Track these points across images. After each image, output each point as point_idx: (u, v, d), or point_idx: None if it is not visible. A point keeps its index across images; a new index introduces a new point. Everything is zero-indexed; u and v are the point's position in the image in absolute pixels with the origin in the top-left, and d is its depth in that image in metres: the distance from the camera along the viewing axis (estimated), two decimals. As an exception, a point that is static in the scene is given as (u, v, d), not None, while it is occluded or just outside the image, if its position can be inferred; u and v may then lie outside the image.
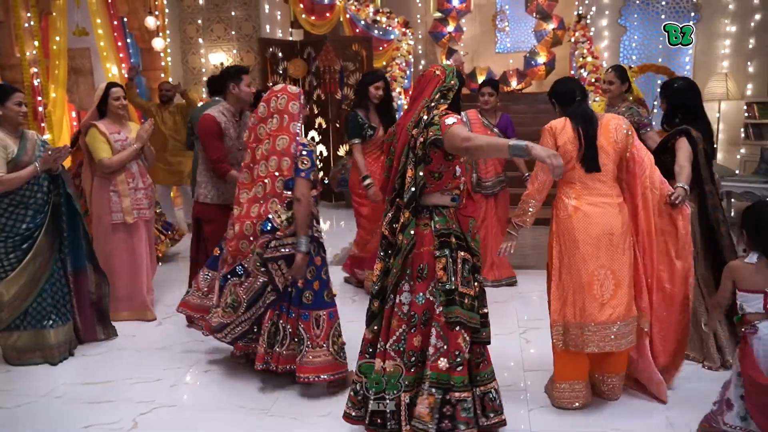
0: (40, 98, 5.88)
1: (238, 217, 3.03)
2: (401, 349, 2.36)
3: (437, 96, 2.41)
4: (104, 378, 3.24)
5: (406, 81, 8.67)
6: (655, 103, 8.13)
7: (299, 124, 2.98)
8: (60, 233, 3.47)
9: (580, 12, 8.99)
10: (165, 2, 8.58)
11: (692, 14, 8.04)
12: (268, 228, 2.89)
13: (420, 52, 11.00)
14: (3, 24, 5.52)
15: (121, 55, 7.97)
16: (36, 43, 5.82)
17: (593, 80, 7.28)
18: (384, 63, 9.14)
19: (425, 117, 2.37)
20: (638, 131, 3.46)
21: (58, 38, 6.89)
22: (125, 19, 7.90)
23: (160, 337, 3.79)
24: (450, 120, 2.30)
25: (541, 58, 10.24)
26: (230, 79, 3.50)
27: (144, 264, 4.04)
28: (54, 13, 6.53)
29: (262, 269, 2.91)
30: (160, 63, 8.42)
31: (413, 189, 2.34)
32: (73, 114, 8.66)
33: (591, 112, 2.81)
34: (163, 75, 8.52)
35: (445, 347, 2.30)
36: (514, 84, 10.53)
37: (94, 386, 3.15)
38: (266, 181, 2.95)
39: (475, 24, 10.96)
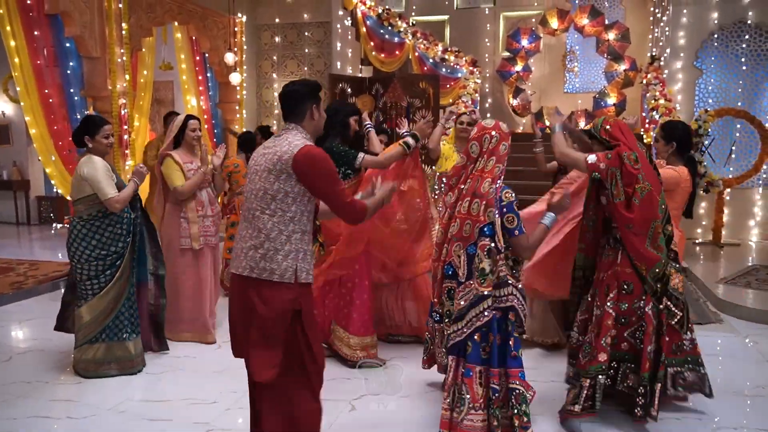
0: (125, 127, 6.31)
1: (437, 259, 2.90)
2: None
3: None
4: (164, 397, 3.36)
5: (471, 119, 8.71)
6: (733, 148, 7.79)
7: (502, 167, 2.77)
8: (135, 250, 3.69)
9: (654, 53, 8.79)
10: (244, 39, 9.07)
11: (775, 57, 7.72)
12: (450, 273, 2.77)
13: (487, 90, 11.04)
14: (99, 60, 5.99)
15: (200, 88, 8.46)
16: (127, 76, 6.28)
17: (666, 123, 7.06)
18: (450, 100, 9.23)
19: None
20: None
21: (145, 72, 7.43)
22: (206, 55, 8.40)
23: (218, 360, 3.90)
24: None
25: (611, 99, 10.04)
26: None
27: (208, 288, 4.20)
28: (143, 50, 7.04)
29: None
30: (235, 96, 8.86)
31: None
32: (154, 142, 9.20)
33: None
34: (237, 107, 8.94)
35: None
36: (582, 124, 10.36)
37: (154, 404, 3.28)
38: (456, 221, 2.78)
39: (544, 64, 10.92)
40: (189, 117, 4.17)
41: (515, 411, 2.61)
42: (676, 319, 3.01)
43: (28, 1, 5.78)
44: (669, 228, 2.98)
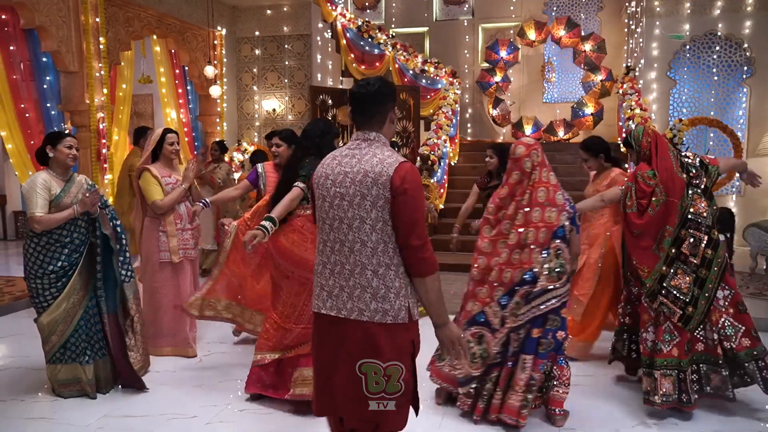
0: (104, 141, 6.27)
1: (496, 265, 3.16)
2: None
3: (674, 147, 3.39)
4: (143, 412, 3.33)
5: (452, 129, 8.79)
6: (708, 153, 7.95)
7: (551, 173, 3.18)
8: (95, 273, 3.53)
9: (629, 64, 8.97)
10: (224, 52, 9.07)
11: (745, 68, 7.91)
12: (529, 278, 3.06)
13: (467, 100, 11.16)
14: (77, 74, 5.96)
15: (180, 101, 8.44)
16: (105, 90, 6.25)
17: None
18: (431, 111, 9.32)
19: (689, 160, 3.27)
20: None
21: (124, 86, 7.41)
22: (186, 68, 8.39)
23: (199, 374, 3.88)
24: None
25: (589, 109, 10.21)
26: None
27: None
28: (122, 63, 7.02)
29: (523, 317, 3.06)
30: (216, 109, 8.85)
31: (713, 214, 3.19)
32: (134, 155, 9.14)
33: None
34: (218, 120, 8.93)
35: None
36: (560, 134, 10.51)
37: (133, 419, 3.24)
38: (530, 230, 3.09)
39: (523, 74, 11.08)
40: (167, 131, 4.15)
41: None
42: (677, 317, 3.17)
43: (3, 16, 5.74)
44: (683, 232, 3.19)
